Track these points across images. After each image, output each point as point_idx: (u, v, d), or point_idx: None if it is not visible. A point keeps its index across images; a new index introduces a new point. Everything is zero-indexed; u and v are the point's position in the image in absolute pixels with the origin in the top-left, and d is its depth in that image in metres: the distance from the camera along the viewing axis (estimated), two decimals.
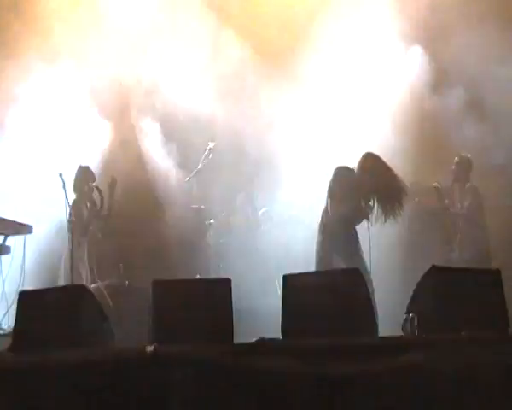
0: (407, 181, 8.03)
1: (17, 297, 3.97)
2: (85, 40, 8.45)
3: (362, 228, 6.57)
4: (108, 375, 3.12)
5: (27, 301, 3.93)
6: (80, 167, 7.75)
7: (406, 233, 8.30)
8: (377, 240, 7.74)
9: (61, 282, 7.36)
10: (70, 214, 7.38)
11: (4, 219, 6.60)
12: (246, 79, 8.73)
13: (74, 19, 8.57)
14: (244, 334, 3.90)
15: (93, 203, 7.76)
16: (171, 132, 8.86)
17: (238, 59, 8.66)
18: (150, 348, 3.19)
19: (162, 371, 3.11)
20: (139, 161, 8.91)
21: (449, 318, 3.47)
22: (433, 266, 3.72)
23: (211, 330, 3.76)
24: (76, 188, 7.65)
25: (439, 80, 8.37)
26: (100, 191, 7.72)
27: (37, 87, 8.23)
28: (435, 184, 7.72)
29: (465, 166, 7.78)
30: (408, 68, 8.39)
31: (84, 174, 7.74)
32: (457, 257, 7.61)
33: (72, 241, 7.25)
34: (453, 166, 7.81)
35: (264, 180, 8.67)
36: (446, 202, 7.78)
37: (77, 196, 7.63)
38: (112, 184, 7.80)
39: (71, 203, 7.38)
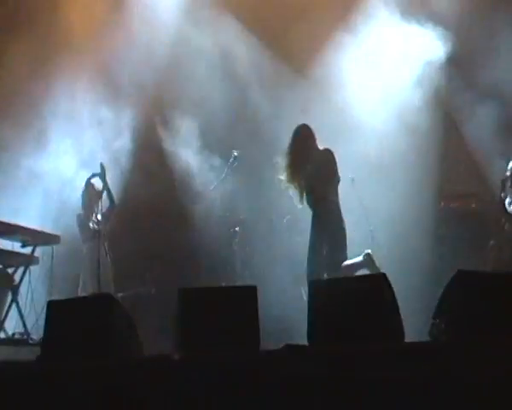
0: (432, 185, 7.98)
1: (46, 307, 4.02)
2: (113, 34, 8.53)
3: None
4: (136, 382, 3.15)
5: (56, 310, 3.98)
6: (85, 184, 7.89)
7: (432, 238, 8.25)
8: (402, 243, 7.72)
9: (82, 291, 7.47)
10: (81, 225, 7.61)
11: (33, 230, 6.69)
12: (271, 85, 8.75)
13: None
14: (270, 341, 3.90)
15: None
16: (200, 137, 8.92)
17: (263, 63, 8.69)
18: (177, 356, 3.20)
19: (189, 379, 3.13)
20: (165, 167, 8.97)
21: (477, 323, 3.43)
22: (460, 271, 3.69)
23: (237, 338, 3.76)
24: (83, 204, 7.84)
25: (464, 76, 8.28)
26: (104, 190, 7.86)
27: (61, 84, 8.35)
28: (503, 178, 7.55)
29: None
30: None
31: (86, 191, 7.89)
32: (497, 258, 7.48)
33: (98, 250, 7.36)
34: (508, 172, 7.64)
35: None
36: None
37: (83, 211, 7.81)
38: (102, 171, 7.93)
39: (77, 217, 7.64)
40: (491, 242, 7.58)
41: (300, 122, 6.80)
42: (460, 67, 8.31)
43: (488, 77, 7.91)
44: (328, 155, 6.48)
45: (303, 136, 6.61)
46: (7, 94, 8.23)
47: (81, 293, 7.47)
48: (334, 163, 6.47)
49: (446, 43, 8.23)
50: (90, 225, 7.71)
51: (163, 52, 8.74)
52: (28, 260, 6.71)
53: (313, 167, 6.47)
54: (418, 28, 8.27)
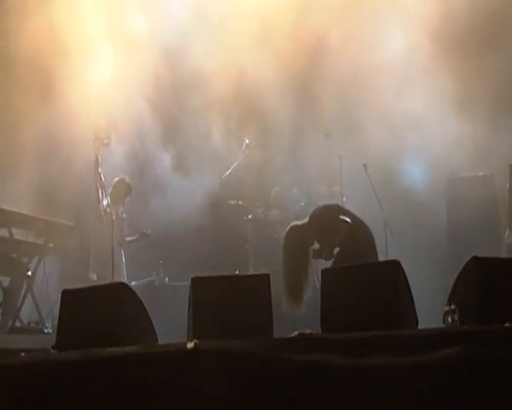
0: (443, 172, 7.88)
1: (60, 296, 4.04)
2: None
3: None
4: (149, 371, 3.16)
5: (70, 299, 3.99)
6: (119, 179, 7.93)
7: (446, 225, 8.19)
8: (414, 232, 7.66)
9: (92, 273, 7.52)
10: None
11: (46, 220, 6.73)
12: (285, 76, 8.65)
13: None
14: (284, 329, 3.90)
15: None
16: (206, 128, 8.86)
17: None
18: (190, 345, 3.20)
19: (202, 368, 3.13)
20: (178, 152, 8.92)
21: (491, 309, 3.41)
22: (474, 257, 3.67)
23: (250, 326, 3.76)
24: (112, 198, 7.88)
25: None
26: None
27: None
28: (511, 164, 7.46)
29: None
30: None
31: (118, 187, 7.94)
32: (511, 245, 7.43)
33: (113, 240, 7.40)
34: None
35: (302, 174, 8.66)
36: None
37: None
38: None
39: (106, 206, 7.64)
40: (507, 231, 7.52)
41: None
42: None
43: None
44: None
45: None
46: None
47: (91, 276, 7.52)
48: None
49: None
50: (101, 205, 7.75)
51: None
52: (42, 250, 6.76)
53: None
54: None
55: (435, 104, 8.08)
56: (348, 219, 5.70)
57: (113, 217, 7.59)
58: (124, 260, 7.93)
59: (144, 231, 8.11)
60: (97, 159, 7.55)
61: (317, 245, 5.81)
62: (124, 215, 8.02)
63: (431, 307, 4.38)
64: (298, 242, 5.72)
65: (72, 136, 7.68)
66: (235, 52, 8.37)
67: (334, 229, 5.69)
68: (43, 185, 7.66)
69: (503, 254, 7.22)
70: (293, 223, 5.97)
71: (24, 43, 7.77)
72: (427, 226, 8.14)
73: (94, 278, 7.51)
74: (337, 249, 5.74)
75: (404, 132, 8.01)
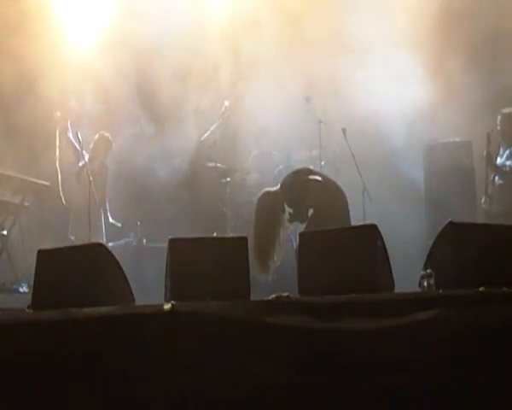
0: (421, 138, 7.91)
1: (36, 256, 3.99)
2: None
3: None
4: (125, 332, 3.16)
5: (46, 259, 3.95)
6: (100, 135, 7.86)
7: (423, 190, 8.25)
8: (392, 197, 7.72)
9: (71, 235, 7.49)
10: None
11: (22, 179, 6.65)
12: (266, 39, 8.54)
13: None
14: (261, 291, 3.91)
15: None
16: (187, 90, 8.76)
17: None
18: (167, 306, 3.20)
19: (179, 329, 3.14)
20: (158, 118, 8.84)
21: (466, 273, 3.45)
22: (451, 222, 3.69)
23: (228, 288, 3.76)
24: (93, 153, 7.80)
25: None
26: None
27: None
28: (488, 131, 7.46)
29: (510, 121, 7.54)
30: None
31: (100, 142, 7.88)
32: (487, 211, 7.50)
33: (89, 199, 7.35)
34: (498, 127, 7.59)
35: (280, 138, 8.63)
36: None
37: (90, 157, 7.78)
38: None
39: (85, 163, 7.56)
40: (483, 197, 7.60)
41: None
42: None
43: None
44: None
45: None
46: None
47: (71, 237, 7.49)
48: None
49: None
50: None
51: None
52: (18, 209, 6.69)
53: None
54: None
55: (414, 70, 8.06)
56: (319, 178, 5.73)
57: (90, 178, 7.52)
58: (103, 220, 7.90)
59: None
60: (65, 128, 7.52)
61: (290, 210, 5.82)
62: (107, 164, 8.01)
63: (407, 271, 4.42)
64: (269, 209, 5.72)
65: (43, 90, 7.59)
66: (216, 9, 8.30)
67: (305, 190, 5.72)
68: (18, 143, 7.55)
69: (479, 220, 7.31)
70: (265, 189, 5.96)
71: None
72: (404, 191, 8.19)
73: (73, 240, 7.49)
74: (311, 211, 5.76)
75: (382, 97, 7.99)
